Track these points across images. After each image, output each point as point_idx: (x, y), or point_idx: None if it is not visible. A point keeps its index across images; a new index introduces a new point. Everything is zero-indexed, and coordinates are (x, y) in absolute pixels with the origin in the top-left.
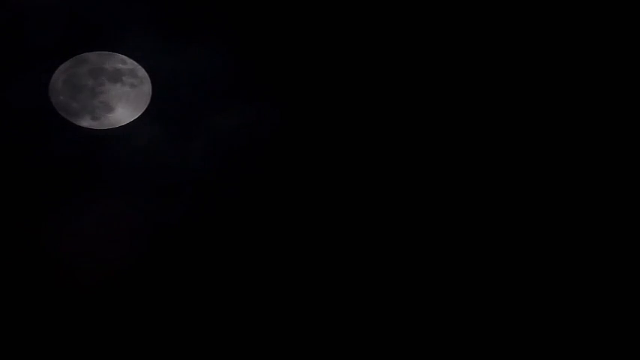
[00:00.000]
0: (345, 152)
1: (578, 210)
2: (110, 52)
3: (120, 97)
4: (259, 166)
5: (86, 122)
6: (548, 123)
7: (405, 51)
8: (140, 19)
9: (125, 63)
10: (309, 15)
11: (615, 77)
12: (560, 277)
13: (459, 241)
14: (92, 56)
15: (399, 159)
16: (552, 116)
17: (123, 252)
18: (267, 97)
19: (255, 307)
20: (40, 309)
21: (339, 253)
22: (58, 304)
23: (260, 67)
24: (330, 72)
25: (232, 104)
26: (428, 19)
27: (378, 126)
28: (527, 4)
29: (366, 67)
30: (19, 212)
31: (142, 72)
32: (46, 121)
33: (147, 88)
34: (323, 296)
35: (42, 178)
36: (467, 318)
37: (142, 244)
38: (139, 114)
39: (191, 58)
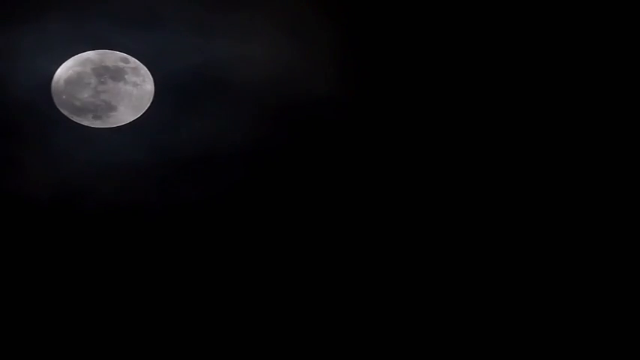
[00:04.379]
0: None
1: (579, 210)
2: (112, 51)
3: (122, 96)
4: (264, 166)
5: (88, 121)
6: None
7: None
8: (142, 16)
9: (127, 61)
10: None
11: (615, 77)
12: (561, 277)
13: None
14: (94, 55)
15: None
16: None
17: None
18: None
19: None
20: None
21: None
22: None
23: (264, 66)
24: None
25: (235, 104)
26: None
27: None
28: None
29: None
30: (19, 212)
31: (144, 70)
32: (48, 120)
33: (149, 86)
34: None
35: (43, 177)
36: (468, 318)
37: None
38: (142, 113)
39: (194, 57)
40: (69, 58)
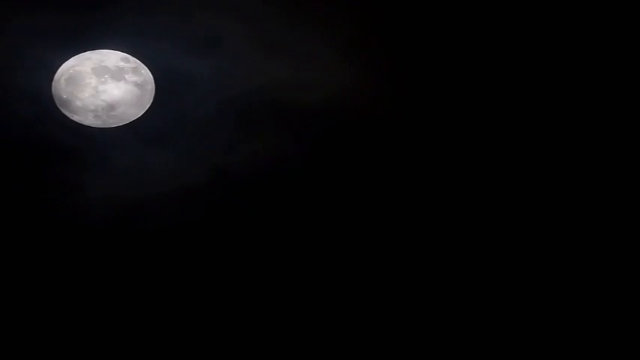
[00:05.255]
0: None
1: (579, 210)
2: (113, 51)
3: (123, 96)
4: (259, 169)
5: (89, 121)
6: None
7: None
8: (143, 16)
9: (128, 61)
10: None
11: (615, 78)
12: (561, 278)
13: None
14: (95, 54)
15: None
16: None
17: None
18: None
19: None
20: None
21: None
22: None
23: (264, 66)
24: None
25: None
26: None
27: None
28: None
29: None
30: (20, 212)
31: (144, 70)
32: (49, 119)
33: (150, 86)
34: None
35: (44, 176)
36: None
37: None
38: (142, 112)
39: (195, 56)
40: (69, 57)
